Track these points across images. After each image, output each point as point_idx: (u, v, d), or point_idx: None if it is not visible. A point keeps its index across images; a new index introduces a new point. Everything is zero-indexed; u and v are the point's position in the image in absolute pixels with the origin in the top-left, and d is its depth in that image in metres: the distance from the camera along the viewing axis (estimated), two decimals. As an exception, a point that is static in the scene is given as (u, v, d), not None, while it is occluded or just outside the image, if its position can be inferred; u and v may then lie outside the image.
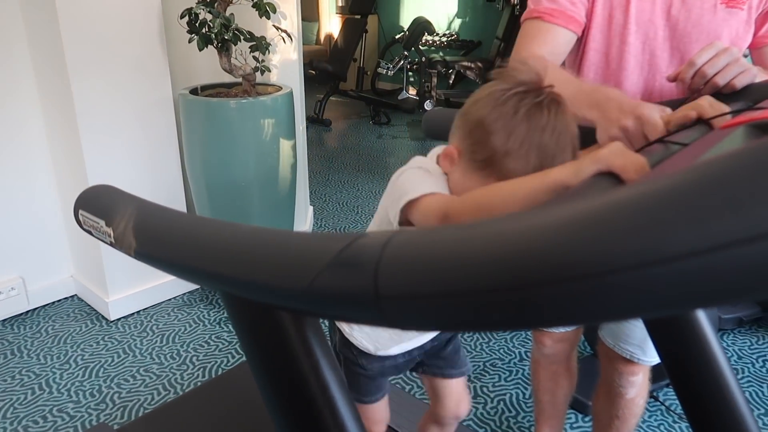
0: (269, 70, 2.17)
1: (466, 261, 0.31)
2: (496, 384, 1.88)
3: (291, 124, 2.24)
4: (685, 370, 0.92)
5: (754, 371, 1.95)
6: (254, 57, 2.12)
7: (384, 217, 0.80)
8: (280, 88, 2.25)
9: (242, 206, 2.18)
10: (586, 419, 1.71)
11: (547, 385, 1.40)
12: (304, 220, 2.91)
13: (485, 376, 1.92)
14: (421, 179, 0.74)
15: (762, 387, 1.87)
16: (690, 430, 1.70)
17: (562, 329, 1.26)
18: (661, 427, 1.70)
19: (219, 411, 1.56)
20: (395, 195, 0.74)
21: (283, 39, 2.17)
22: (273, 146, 2.17)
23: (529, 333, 2.02)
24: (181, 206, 2.37)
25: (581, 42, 1.09)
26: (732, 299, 0.25)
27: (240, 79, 2.14)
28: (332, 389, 0.45)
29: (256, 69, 2.11)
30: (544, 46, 1.02)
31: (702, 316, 0.77)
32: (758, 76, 0.83)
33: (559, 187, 0.52)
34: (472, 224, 0.34)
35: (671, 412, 1.75)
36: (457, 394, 1.16)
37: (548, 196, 0.53)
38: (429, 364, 1.13)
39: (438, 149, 0.84)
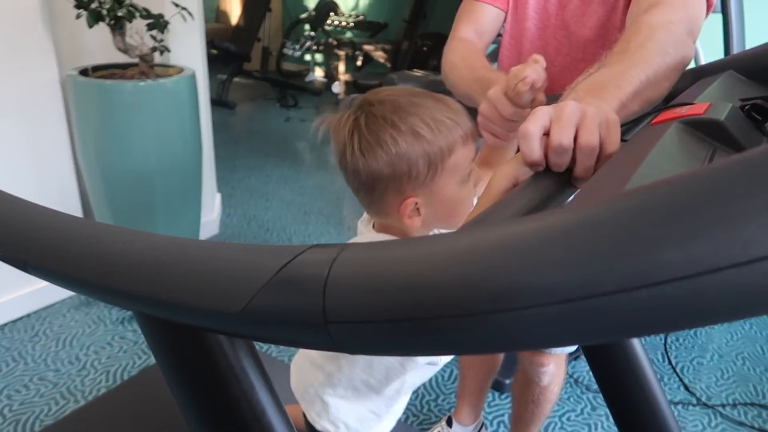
0: (169, 51, 2.03)
1: (428, 283, 0.28)
2: (416, 368, 1.90)
3: (194, 107, 2.12)
4: (601, 349, 0.96)
5: (650, 339, 2.10)
6: (152, 36, 1.97)
7: None
8: (182, 69, 2.11)
9: (144, 198, 2.04)
10: (503, 396, 1.77)
11: (472, 360, 1.42)
12: (211, 208, 2.78)
13: (404, 360, 1.93)
14: None
15: (657, 354, 2.03)
16: (598, 400, 1.80)
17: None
18: (571, 399, 1.79)
19: (127, 419, 1.45)
20: None
21: (183, 17, 2.03)
22: (176, 132, 2.03)
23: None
24: (74, 202, 2.18)
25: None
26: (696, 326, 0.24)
27: (136, 60, 1.98)
28: (269, 415, 0.42)
29: (154, 49, 1.96)
30: (472, 25, 1.05)
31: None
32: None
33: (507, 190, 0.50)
34: (432, 239, 0.31)
35: (579, 384, 1.85)
36: None
37: None
38: None
39: (364, 218, 0.80)
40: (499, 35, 1.15)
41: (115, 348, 1.93)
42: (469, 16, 1.06)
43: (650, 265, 0.22)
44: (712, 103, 0.52)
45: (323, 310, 0.31)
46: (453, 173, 0.69)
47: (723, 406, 1.77)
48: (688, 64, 0.75)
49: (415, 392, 1.79)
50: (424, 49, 5.29)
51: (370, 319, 0.30)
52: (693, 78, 0.77)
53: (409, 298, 0.29)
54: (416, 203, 0.69)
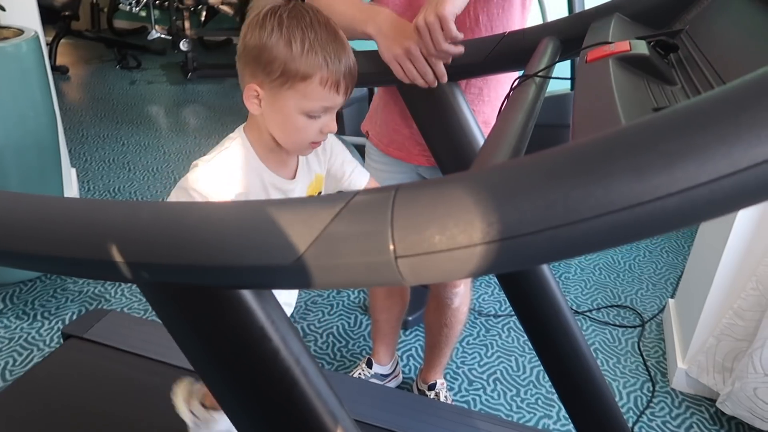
0: (4, 9, 1.77)
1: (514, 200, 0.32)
2: (321, 320, 1.94)
3: (43, 74, 1.89)
4: (516, 281, 1.06)
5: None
6: (-21, -8, 1.71)
7: None
8: (20, 30, 1.86)
9: (-5, 179, 1.81)
10: (407, 333, 1.89)
11: (384, 304, 1.49)
12: (69, 185, 2.52)
13: (309, 314, 1.97)
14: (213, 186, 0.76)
15: (531, 275, 2.26)
16: (490, 323, 1.96)
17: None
18: (466, 325, 1.95)
19: (27, 421, 1.34)
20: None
21: (16, -30, 1.78)
22: (25, 103, 1.81)
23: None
24: None
25: None
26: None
27: (-38, 22, 1.72)
28: (304, 359, 0.43)
29: (-15, 8, 1.71)
30: None
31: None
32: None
33: None
34: (467, 174, 0.34)
35: (472, 311, 2.02)
36: None
37: None
38: None
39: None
40: None
41: (-13, 348, 1.74)
42: None
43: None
44: (630, 41, 0.60)
45: (394, 249, 0.33)
46: (300, 98, 0.76)
47: (590, 311, 2.05)
48: None
49: (326, 341, 1.84)
50: None
51: (442, 249, 0.33)
52: (583, 20, 0.87)
53: (490, 220, 0.31)
54: (258, 94, 0.77)
